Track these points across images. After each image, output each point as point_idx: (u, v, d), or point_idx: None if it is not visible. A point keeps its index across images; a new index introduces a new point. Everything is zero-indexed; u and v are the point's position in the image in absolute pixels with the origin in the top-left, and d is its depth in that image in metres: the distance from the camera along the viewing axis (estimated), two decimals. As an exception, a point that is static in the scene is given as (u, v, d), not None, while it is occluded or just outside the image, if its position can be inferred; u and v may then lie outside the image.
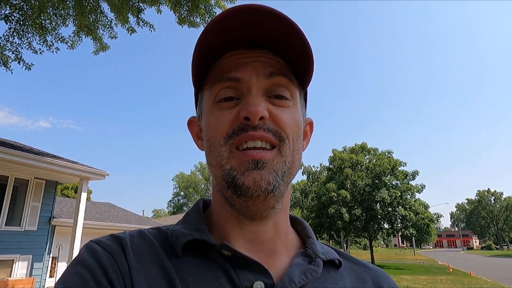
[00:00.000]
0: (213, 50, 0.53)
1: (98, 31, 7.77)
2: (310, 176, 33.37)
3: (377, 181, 25.76)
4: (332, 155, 28.42)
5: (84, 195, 8.63)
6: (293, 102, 0.55)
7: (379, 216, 25.02)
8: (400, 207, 24.42)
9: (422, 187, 25.85)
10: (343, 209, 24.48)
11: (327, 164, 29.38)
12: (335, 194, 25.10)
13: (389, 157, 26.89)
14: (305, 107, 0.62)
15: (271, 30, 0.51)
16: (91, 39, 7.80)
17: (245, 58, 0.53)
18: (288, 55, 0.54)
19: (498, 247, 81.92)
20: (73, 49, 7.83)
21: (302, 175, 33.86)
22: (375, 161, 27.05)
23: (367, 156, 28.41)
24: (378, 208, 25.21)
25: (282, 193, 0.53)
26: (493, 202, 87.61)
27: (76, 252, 7.54)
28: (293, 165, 0.53)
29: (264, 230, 0.55)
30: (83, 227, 8.45)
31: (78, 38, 7.80)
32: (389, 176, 26.06)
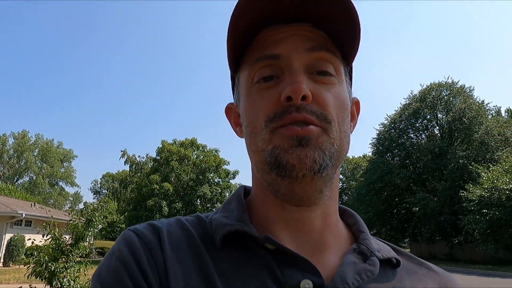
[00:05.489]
0: (248, 27, 0.49)
1: None
2: (133, 166, 31.00)
3: (201, 176, 26.25)
4: (161, 146, 27.28)
5: None
6: (338, 79, 0.50)
7: (197, 211, 25.50)
8: (218, 203, 25.64)
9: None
10: (164, 202, 23.80)
11: (154, 155, 28.11)
12: (157, 187, 24.20)
13: (216, 155, 27.95)
14: (351, 85, 0.57)
15: (310, 1, 0.48)
16: None
17: (282, 33, 0.49)
18: (331, 27, 0.49)
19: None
20: None
21: (125, 164, 31.16)
22: (202, 157, 27.55)
23: (196, 152, 28.68)
24: (199, 203, 25.74)
25: (330, 176, 0.49)
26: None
27: None
28: (341, 148, 0.48)
29: (312, 218, 0.50)
30: None
31: None
32: (213, 173, 27.03)
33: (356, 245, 0.52)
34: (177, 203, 24.27)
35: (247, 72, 0.51)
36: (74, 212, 6.37)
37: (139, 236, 0.46)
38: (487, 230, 18.93)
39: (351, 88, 0.57)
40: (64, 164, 54.62)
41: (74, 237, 5.99)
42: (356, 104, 0.60)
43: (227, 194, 26.97)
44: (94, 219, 6.06)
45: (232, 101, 0.62)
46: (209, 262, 0.45)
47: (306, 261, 0.45)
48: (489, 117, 27.48)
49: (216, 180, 27.28)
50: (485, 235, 19.27)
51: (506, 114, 33.19)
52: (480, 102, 27.66)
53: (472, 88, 28.37)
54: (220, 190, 26.03)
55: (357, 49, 0.51)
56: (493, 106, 29.39)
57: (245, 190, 0.60)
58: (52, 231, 5.68)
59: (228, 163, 27.68)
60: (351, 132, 0.54)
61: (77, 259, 6.03)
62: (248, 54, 0.51)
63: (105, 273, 0.43)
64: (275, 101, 0.47)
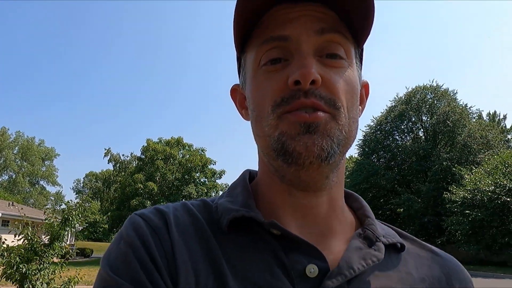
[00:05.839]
0: (257, 5, 0.47)
1: None
2: (117, 165, 30.32)
3: (187, 176, 25.91)
4: (145, 145, 26.78)
5: None
6: (348, 62, 0.49)
7: (183, 211, 25.11)
8: (204, 203, 25.30)
9: (226, 186, 27.79)
10: (148, 202, 23.32)
11: (138, 154, 27.58)
12: (141, 186, 23.76)
13: (202, 154, 27.63)
14: (361, 67, 0.55)
15: None
16: None
17: (292, 13, 0.47)
18: (342, 7, 0.47)
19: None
20: None
21: (108, 163, 30.44)
22: (188, 156, 27.19)
23: (182, 151, 28.28)
24: (184, 203, 25.38)
25: (337, 162, 0.48)
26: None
27: None
28: (350, 134, 0.48)
29: (318, 203, 0.50)
30: None
31: None
32: (199, 173, 26.70)
33: (362, 230, 0.52)
34: (162, 203, 23.79)
35: (254, 53, 0.50)
36: (49, 210, 6.02)
37: (146, 221, 0.46)
38: (469, 231, 19.26)
39: (361, 70, 0.55)
40: (46, 162, 53.26)
41: (49, 237, 5.67)
42: (365, 87, 0.58)
43: (213, 194, 26.67)
44: (71, 218, 5.74)
45: (238, 82, 0.59)
46: (216, 247, 0.45)
47: (312, 246, 0.45)
48: (472, 120, 28.05)
49: (202, 180, 26.98)
50: (467, 236, 19.60)
51: (487, 117, 33.98)
52: (463, 105, 28.24)
53: (455, 92, 29.03)
54: (206, 190, 25.76)
55: (370, 31, 0.49)
56: (476, 110, 29.99)
57: (250, 174, 0.58)
58: (25, 231, 5.35)
59: (215, 162, 27.42)
60: (359, 116, 0.53)
61: (53, 260, 5.73)
62: (256, 34, 0.49)
63: (114, 257, 0.44)
64: (283, 84, 0.46)
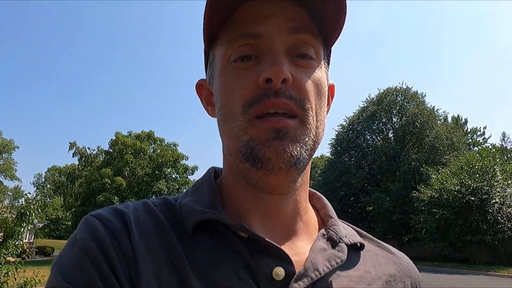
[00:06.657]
0: (229, 0, 0.46)
1: None
2: (83, 159, 28.79)
3: (157, 171, 25.12)
4: (114, 138, 25.61)
5: None
6: (318, 63, 0.49)
7: (153, 208, 24.34)
8: (175, 200, 24.69)
9: (198, 183, 27.21)
10: (115, 198, 22.35)
11: (106, 147, 26.33)
12: (109, 181, 22.75)
13: (174, 149, 26.88)
14: (328, 69, 0.55)
15: None
16: None
17: (265, 10, 0.46)
18: (315, 7, 0.47)
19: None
20: None
21: (73, 157, 28.81)
22: (160, 151, 26.35)
23: (152, 145, 27.37)
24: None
25: (304, 166, 0.48)
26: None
27: None
28: (317, 137, 0.48)
29: (284, 205, 0.50)
30: None
31: None
32: (170, 168, 25.96)
33: (325, 231, 0.52)
34: (131, 199, 22.91)
35: (224, 49, 0.48)
36: (3, 204, 5.37)
37: (103, 223, 0.43)
38: (435, 229, 19.93)
39: (328, 72, 0.55)
40: (3, 155, 49.94)
41: (2, 234, 5.04)
42: (331, 88, 0.58)
43: (185, 190, 26.03)
44: (28, 213, 5.13)
45: (204, 77, 0.57)
46: (180, 250, 0.43)
47: (279, 248, 0.45)
48: (439, 122, 29.16)
49: (173, 176, 26.26)
50: (433, 234, 20.29)
51: (452, 121, 35.52)
52: (431, 108, 29.29)
53: (424, 94, 30.01)
54: (177, 186, 25.09)
55: (340, 33, 0.49)
56: (442, 112, 31.22)
57: (215, 171, 0.58)
58: (-27, 227, 4.71)
59: (187, 158, 26.75)
60: (325, 117, 0.53)
61: (8, 260, 5.11)
62: (227, 29, 0.48)
63: (67, 263, 0.40)
64: (253, 83, 0.45)
